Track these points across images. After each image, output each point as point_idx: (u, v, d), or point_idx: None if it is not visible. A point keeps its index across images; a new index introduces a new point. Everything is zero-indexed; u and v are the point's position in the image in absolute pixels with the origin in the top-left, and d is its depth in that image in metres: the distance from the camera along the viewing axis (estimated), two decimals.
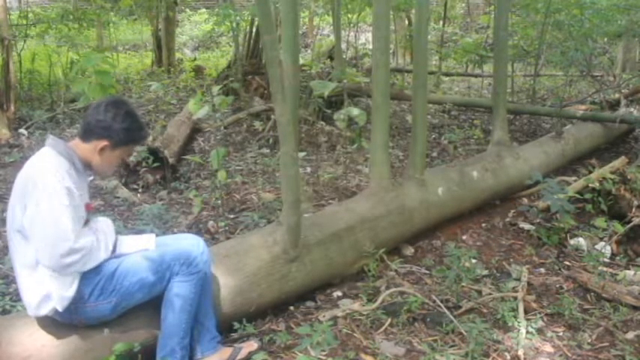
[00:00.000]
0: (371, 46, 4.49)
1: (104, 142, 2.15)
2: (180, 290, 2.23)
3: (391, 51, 9.90)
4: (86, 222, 2.16)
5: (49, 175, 2.01)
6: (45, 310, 2.07)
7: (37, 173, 2.03)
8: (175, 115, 6.14)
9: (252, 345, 2.46)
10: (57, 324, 2.14)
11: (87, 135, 2.16)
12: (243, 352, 2.40)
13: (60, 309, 2.06)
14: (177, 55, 11.56)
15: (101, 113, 2.14)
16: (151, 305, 2.27)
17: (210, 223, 3.79)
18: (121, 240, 2.28)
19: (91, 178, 2.29)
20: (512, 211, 4.22)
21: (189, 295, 2.24)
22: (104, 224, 2.24)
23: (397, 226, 3.41)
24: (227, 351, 2.39)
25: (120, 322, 2.23)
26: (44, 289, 2.04)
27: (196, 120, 5.74)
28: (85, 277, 2.10)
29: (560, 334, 2.71)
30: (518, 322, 2.72)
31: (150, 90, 7.69)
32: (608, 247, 3.64)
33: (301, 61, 7.49)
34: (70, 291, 2.05)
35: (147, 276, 2.19)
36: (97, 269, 2.12)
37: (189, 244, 2.34)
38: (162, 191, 4.47)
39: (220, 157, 3.82)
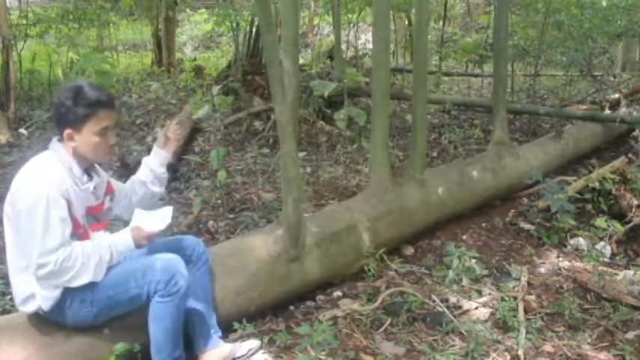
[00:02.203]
0: (371, 46, 4.49)
1: (67, 130, 2.09)
2: (161, 311, 2.15)
3: (391, 51, 9.89)
4: (82, 233, 2.12)
5: (38, 185, 1.98)
6: (31, 308, 2.09)
7: (27, 179, 2.03)
8: (175, 115, 6.13)
9: (253, 344, 2.46)
10: (56, 324, 2.14)
11: (59, 133, 2.13)
12: (244, 349, 2.41)
13: (45, 308, 2.07)
14: (178, 55, 11.56)
15: (52, 109, 2.11)
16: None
17: (210, 223, 3.79)
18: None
19: (93, 185, 2.20)
20: (512, 211, 4.22)
21: (170, 315, 2.16)
22: (91, 244, 2.10)
23: (397, 226, 3.41)
24: (227, 346, 2.40)
25: (120, 321, 2.23)
26: (30, 289, 2.06)
27: (196, 120, 5.74)
28: None
29: (560, 334, 2.71)
30: (518, 322, 2.71)
31: (150, 90, 7.67)
32: (608, 247, 3.64)
33: (301, 61, 7.49)
34: (55, 292, 2.05)
35: (125, 290, 2.13)
36: None
37: (172, 259, 2.20)
38: None
39: (220, 157, 3.83)
